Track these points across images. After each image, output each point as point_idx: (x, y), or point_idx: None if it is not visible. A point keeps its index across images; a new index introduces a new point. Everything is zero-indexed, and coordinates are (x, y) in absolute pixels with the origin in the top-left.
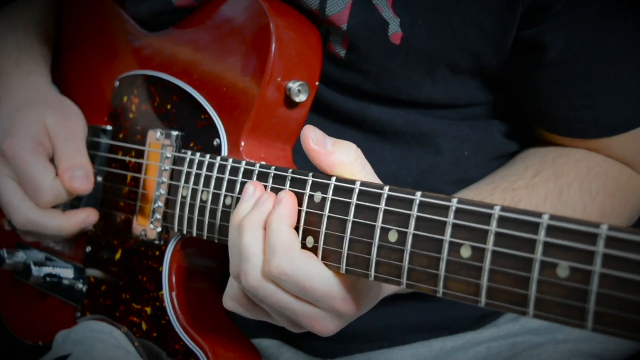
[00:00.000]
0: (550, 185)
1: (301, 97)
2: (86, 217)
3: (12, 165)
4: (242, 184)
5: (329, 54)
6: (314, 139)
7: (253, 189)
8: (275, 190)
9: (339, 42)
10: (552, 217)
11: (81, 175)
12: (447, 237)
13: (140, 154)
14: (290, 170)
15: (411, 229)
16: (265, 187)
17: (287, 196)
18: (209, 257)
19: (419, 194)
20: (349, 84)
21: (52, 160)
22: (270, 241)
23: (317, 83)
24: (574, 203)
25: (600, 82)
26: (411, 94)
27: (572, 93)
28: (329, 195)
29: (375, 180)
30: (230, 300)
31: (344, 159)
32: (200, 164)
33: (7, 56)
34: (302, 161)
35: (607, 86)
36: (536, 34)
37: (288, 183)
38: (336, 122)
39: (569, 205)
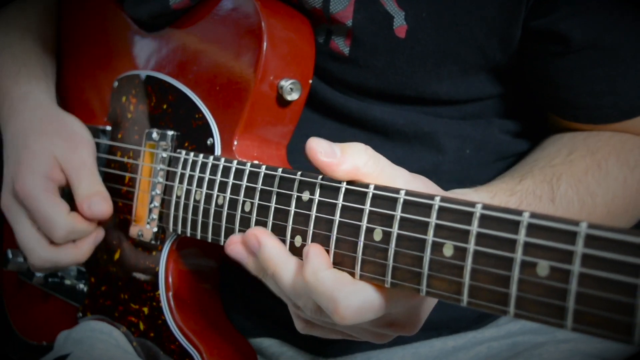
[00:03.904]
0: (587, 160)
1: (293, 96)
2: (95, 238)
3: (26, 205)
4: (234, 185)
5: (332, 52)
6: (322, 151)
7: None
8: (266, 193)
9: (342, 40)
10: (532, 215)
11: (99, 201)
12: (429, 236)
13: (137, 154)
14: (280, 170)
15: (395, 229)
16: (254, 188)
17: (313, 248)
18: (206, 256)
19: (402, 192)
20: (353, 82)
21: (65, 188)
22: (321, 293)
23: (310, 81)
24: (615, 175)
25: (618, 66)
26: (416, 90)
27: (591, 79)
28: (316, 196)
29: (395, 170)
30: (303, 329)
31: (357, 163)
32: (193, 164)
33: (6, 75)
34: (297, 159)
35: (625, 69)
36: (549, 23)
37: (277, 182)
38: (338, 122)
39: (611, 176)
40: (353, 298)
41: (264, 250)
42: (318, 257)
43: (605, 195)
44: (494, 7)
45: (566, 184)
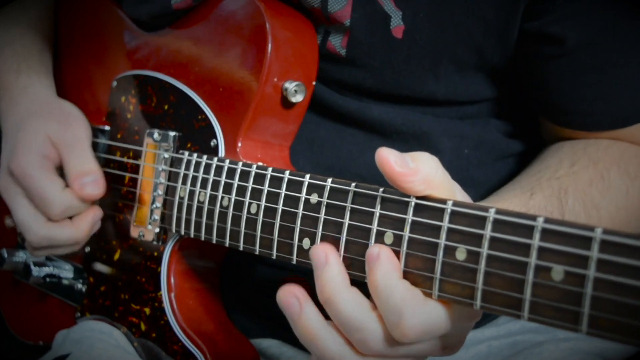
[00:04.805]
0: (590, 171)
1: (298, 98)
2: (93, 216)
3: (21, 183)
4: (239, 186)
5: (329, 53)
6: (396, 161)
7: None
8: (273, 195)
9: (339, 41)
10: (547, 220)
11: (91, 181)
12: (442, 240)
13: (138, 154)
14: (288, 172)
15: (407, 232)
16: (261, 190)
17: (384, 249)
18: (208, 258)
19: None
20: (351, 83)
21: (61, 169)
22: (388, 303)
23: (313, 83)
24: (617, 186)
25: (611, 72)
26: (413, 90)
27: (582, 84)
28: (325, 199)
29: (453, 182)
30: None
31: (429, 171)
32: (197, 165)
33: (7, 70)
34: (299, 161)
35: (618, 76)
36: (542, 25)
37: (285, 185)
38: (337, 122)
39: (613, 188)
40: (421, 317)
41: (327, 269)
42: (390, 261)
43: (609, 207)
44: (492, 8)
45: (573, 197)
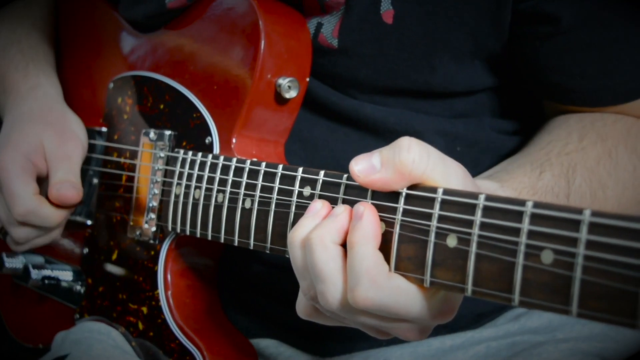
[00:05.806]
0: (599, 148)
1: (291, 93)
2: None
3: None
4: (233, 182)
5: (321, 47)
6: (360, 171)
7: (320, 205)
8: (267, 189)
9: (329, 32)
10: (536, 205)
11: (69, 186)
12: (433, 228)
13: (134, 154)
14: (281, 167)
15: (398, 221)
16: (255, 185)
17: (368, 210)
18: (204, 255)
19: None
20: (345, 75)
21: (41, 180)
22: (354, 267)
23: (307, 79)
24: (624, 164)
25: (610, 48)
26: (408, 79)
27: (582, 61)
28: (317, 191)
29: (447, 167)
30: (304, 314)
31: (405, 162)
32: (192, 163)
33: (15, 68)
34: (293, 160)
35: (618, 51)
36: (536, 5)
37: (278, 179)
38: (330, 121)
39: (620, 166)
40: (378, 292)
41: (333, 217)
42: (371, 225)
43: (615, 187)
44: None
45: (580, 176)
